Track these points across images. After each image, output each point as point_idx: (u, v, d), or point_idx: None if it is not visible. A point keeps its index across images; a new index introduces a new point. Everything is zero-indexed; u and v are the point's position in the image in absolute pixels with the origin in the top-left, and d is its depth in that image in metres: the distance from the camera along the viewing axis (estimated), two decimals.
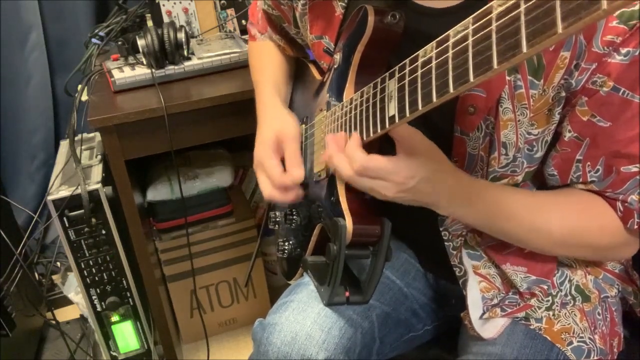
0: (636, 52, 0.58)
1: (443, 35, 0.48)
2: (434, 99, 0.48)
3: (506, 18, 0.39)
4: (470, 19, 0.44)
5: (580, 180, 0.69)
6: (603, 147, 0.65)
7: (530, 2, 0.37)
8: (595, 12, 0.33)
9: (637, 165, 0.64)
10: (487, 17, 0.41)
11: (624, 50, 0.58)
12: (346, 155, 0.64)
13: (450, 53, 0.46)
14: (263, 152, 0.82)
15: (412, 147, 0.62)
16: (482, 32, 0.42)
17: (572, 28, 0.34)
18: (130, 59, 1.25)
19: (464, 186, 0.66)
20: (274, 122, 0.85)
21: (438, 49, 0.48)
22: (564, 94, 0.63)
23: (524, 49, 0.38)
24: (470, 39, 0.43)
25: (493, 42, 0.40)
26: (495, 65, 0.41)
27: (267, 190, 0.81)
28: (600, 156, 0.66)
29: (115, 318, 1.37)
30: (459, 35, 0.45)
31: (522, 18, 0.38)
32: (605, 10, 0.33)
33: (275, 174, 0.79)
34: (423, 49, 0.51)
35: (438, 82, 0.48)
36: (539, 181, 0.75)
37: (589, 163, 0.67)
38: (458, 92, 0.46)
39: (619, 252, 0.75)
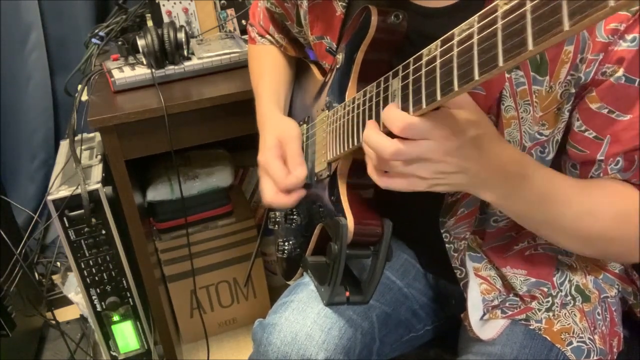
0: None
1: (448, 34, 0.48)
2: (439, 98, 0.48)
3: (512, 16, 0.39)
4: (475, 17, 0.44)
5: (601, 175, 0.66)
6: (625, 142, 0.62)
7: (537, 0, 0.37)
8: (602, 9, 0.33)
9: None
10: (493, 16, 0.42)
11: (629, 37, 0.57)
12: (387, 118, 0.55)
13: (455, 52, 0.46)
14: (267, 156, 0.82)
15: (459, 103, 0.55)
16: (487, 31, 0.42)
17: (579, 26, 0.35)
18: (130, 59, 1.25)
19: (515, 160, 0.59)
20: (275, 128, 0.85)
21: (442, 48, 0.48)
22: (573, 90, 0.63)
23: (530, 47, 0.38)
24: (476, 38, 0.43)
25: (499, 40, 0.41)
26: (500, 63, 0.41)
27: (270, 194, 0.80)
28: (622, 152, 0.64)
29: (115, 318, 1.37)
30: (464, 34, 0.45)
31: (528, 16, 0.38)
32: (613, 7, 0.33)
33: (280, 176, 0.79)
34: (427, 47, 0.51)
35: (443, 80, 0.48)
36: None
37: (611, 159, 0.65)
38: (463, 90, 0.46)
39: None
